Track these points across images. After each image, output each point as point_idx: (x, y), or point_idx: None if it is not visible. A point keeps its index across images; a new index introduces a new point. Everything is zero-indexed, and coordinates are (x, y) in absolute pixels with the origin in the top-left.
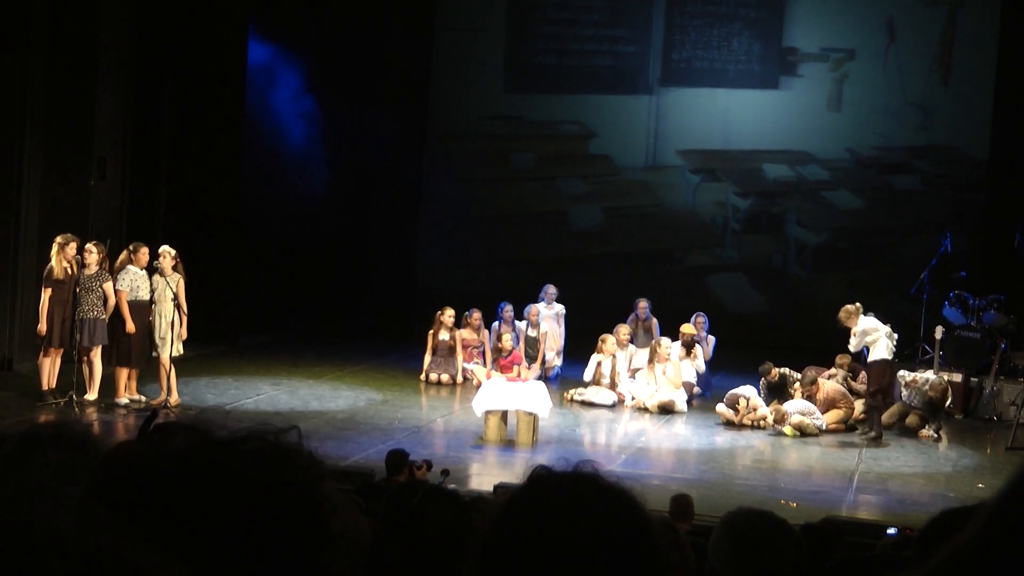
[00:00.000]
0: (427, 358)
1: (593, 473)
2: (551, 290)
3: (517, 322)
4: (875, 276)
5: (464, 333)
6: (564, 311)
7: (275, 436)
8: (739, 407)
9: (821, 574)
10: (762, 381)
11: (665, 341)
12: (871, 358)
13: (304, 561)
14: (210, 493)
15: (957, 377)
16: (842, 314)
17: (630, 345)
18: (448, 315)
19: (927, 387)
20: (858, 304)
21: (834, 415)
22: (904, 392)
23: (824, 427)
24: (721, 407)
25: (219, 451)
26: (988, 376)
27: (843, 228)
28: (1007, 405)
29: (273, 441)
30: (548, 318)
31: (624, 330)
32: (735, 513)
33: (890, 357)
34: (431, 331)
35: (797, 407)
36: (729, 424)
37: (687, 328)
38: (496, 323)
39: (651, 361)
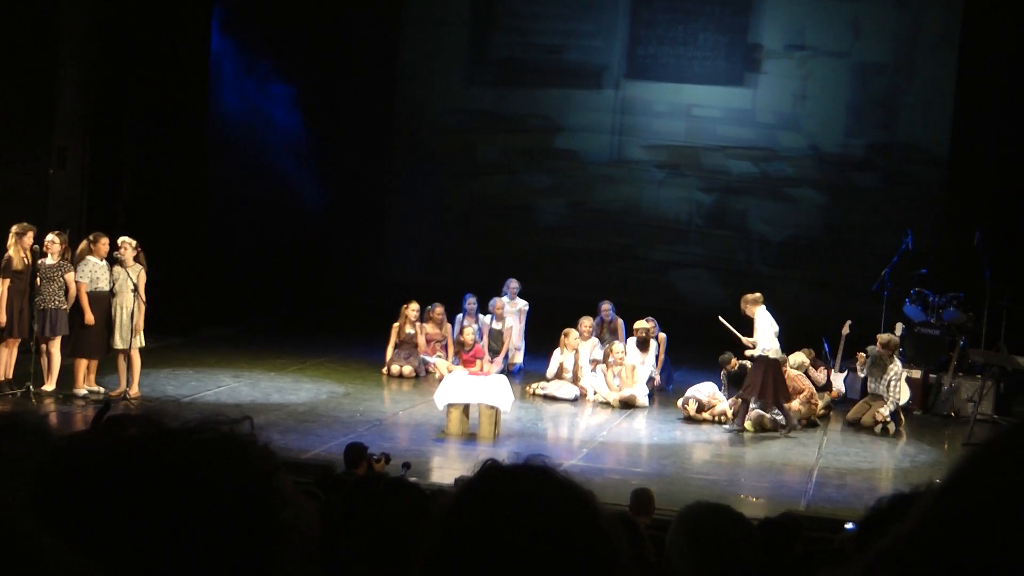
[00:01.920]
0: (390, 351)
1: (542, 466)
2: (513, 284)
3: (480, 315)
4: (837, 273)
5: (427, 327)
6: (527, 307)
7: (227, 427)
8: (688, 408)
9: (780, 568)
10: (723, 372)
11: (618, 346)
12: (758, 353)
13: (254, 553)
14: (160, 484)
15: (916, 373)
16: (742, 302)
17: (593, 337)
18: (412, 309)
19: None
20: (759, 294)
21: (795, 411)
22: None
23: (783, 423)
24: (682, 401)
25: (170, 442)
26: (947, 373)
27: (806, 225)
28: (965, 402)
29: (225, 432)
30: (511, 314)
31: (587, 322)
32: (692, 507)
33: (776, 356)
34: (395, 324)
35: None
36: (690, 419)
37: (641, 324)
38: (460, 315)
39: (606, 362)
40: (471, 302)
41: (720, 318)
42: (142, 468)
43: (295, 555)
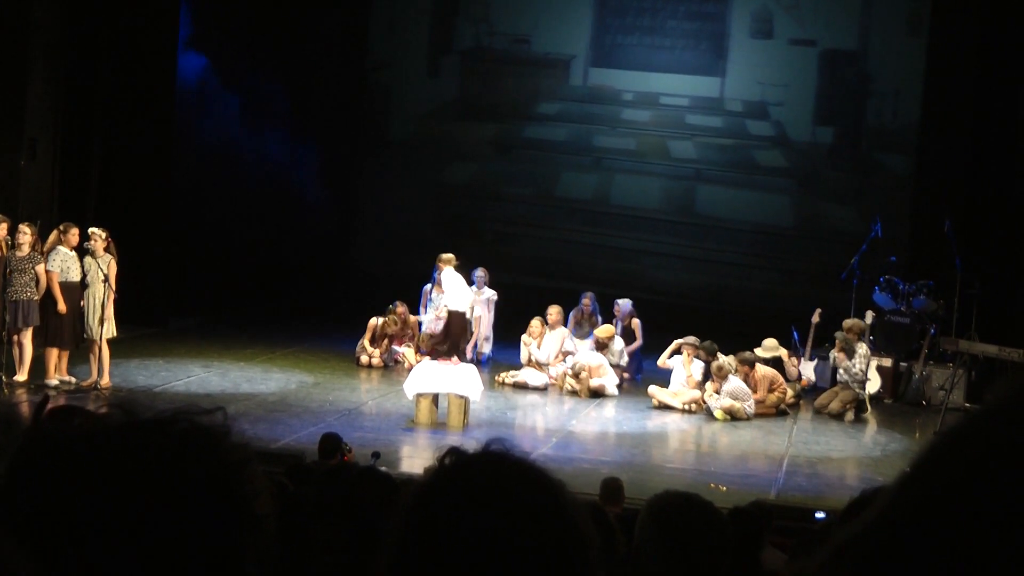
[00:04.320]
0: (365, 342)
1: (503, 452)
2: (480, 273)
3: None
4: (806, 261)
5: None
6: (495, 297)
7: (201, 417)
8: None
9: (749, 557)
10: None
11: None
12: (451, 307)
13: (226, 543)
14: (133, 474)
15: (887, 362)
16: (437, 259)
17: (562, 327)
18: (392, 320)
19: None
20: (452, 256)
21: (766, 399)
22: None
23: (753, 413)
24: (652, 389)
25: (143, 432)
26: (917, 361)
27: (775, 213)
28: (936, 390)
29: (198, 423)
30: (479, 303)
31: (555, 310)
32: (661, 496)
33: (464, 310)
34: (375, 322)
35: (731, 388)
36: (660, 407)
37: (602, 332)
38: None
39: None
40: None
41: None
42: (116, 458)
43: (262, 544)
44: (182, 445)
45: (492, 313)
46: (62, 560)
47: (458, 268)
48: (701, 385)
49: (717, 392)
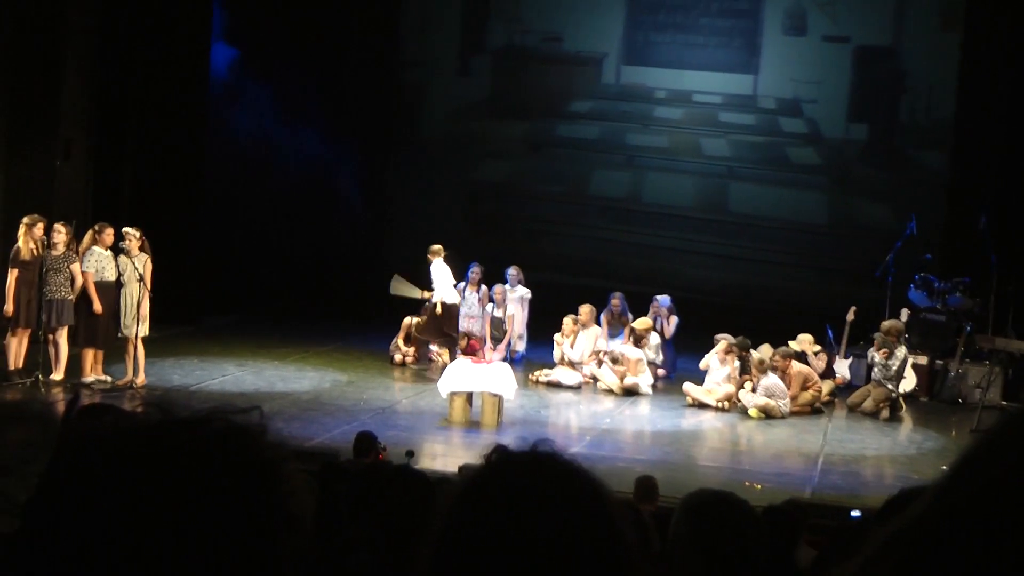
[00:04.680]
0: (399, 341)
1: (551, 452)
2: (513, 271)
3: (484, 286)
4: (840, 259)
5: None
6: (529, 295)
7: (236, 416)
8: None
9: (784, 555)
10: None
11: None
12: (444, 300)
13: (262, 542)
14: (171, 472)
15: (923, 360)
16: (428, 252)
17: (595, 326)
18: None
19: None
20: (440, 247)
21: (800, 397)
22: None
23: (788, 412)
24: (687, 386)
25: (179, 431)
26: (953, 359)
27: (808, 210)
28: (972, 388)
29: (234, 421)
30: (512, 301)
31: (585, 309)
32: (695, 494)
33: (451, 303)
34: (410, 321)
35: (768, 384)
36: (695, 405)
37: (639, 324)
38: (462, 284)
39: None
40: (476, 271)
41: (395, 278)
42: (152, 457)
43: (298, 543)
44: (218, 444)
45: (526, 311)
46: (96, 559)
47: (447, 259)
48: (740, 383)
49: (753, 389)
